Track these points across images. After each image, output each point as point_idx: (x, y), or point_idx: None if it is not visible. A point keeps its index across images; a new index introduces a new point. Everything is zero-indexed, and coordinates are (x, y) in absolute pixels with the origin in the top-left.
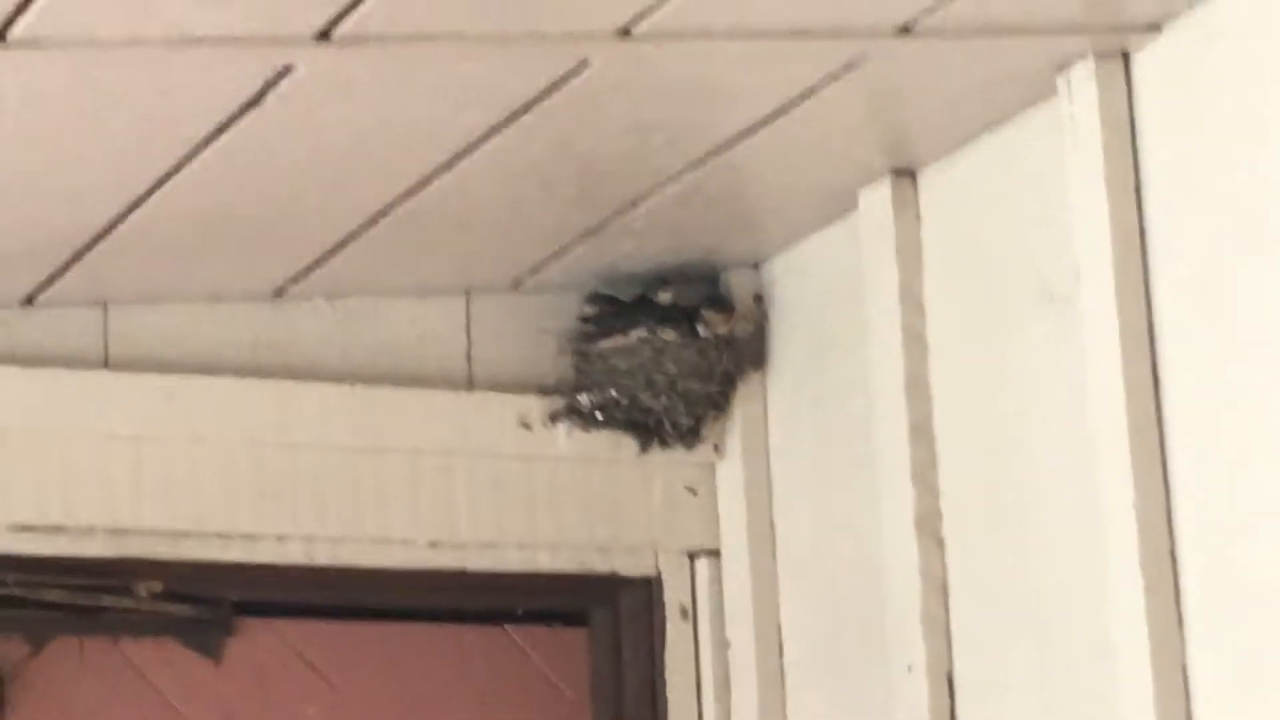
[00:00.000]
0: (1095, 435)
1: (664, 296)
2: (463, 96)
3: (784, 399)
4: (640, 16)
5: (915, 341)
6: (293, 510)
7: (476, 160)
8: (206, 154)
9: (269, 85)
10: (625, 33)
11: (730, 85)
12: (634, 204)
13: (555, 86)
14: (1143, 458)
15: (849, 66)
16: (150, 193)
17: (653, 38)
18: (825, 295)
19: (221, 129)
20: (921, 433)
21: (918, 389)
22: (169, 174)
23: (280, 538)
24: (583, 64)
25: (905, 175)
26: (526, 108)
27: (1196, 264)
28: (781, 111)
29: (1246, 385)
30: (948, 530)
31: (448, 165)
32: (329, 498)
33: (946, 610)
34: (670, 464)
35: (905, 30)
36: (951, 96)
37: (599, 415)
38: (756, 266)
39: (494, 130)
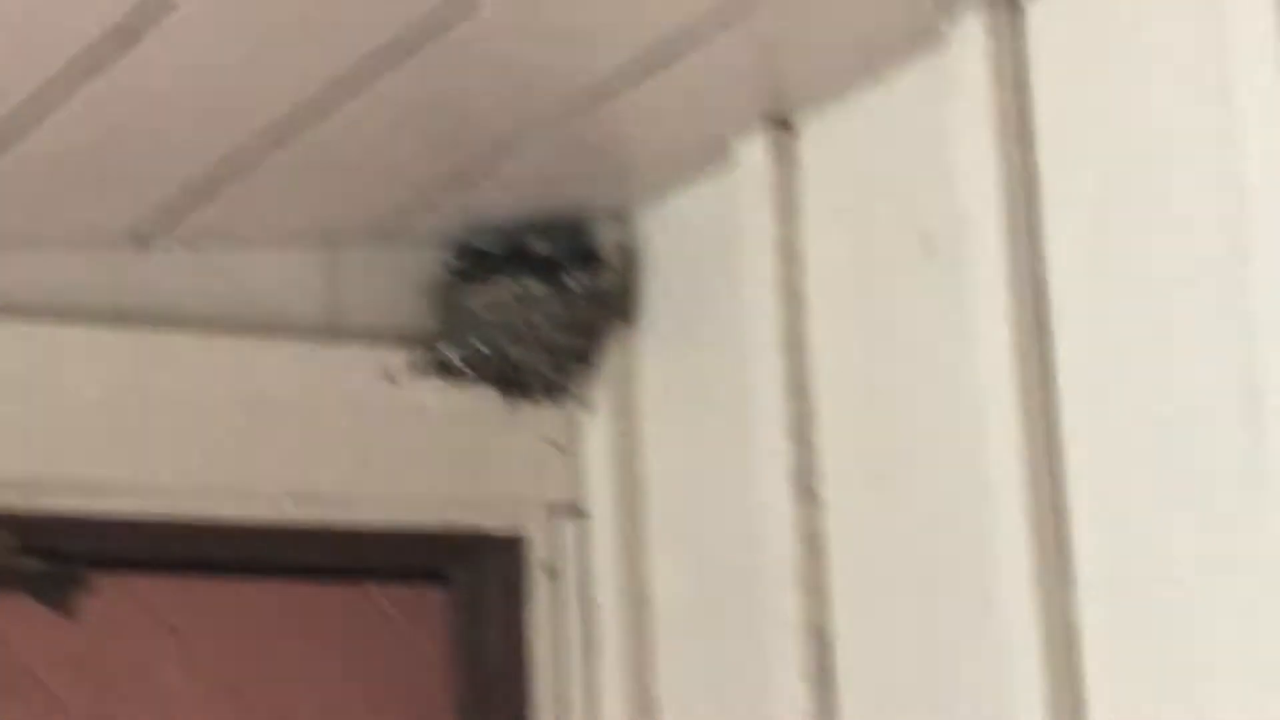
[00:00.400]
0: (981, 389)
1: (532, 248)
2: (333, 33)
3: (655, 354)
4: None
5: (792, 295)
6: (152, 462)
7: (342, 102)
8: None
9: (148, 20)
10: None
11: (606, 25)
12: (503, 150)
13: (437, 26)
14: (1031, 411)
15: (728, 8)
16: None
17: None
18: (699, 248)
19: (93, 68)
20: (798, 388)
21: (794, 343)
22: (32, 110)
23: (138, 490)
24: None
25: (784, 125)
26: (402, 47)
27: (1088, 216)
28: (657, 54)
29: (1138, 338)
30: (825, 487)
31: (312, 106)
32: (188, 450)
33: (823, 568)
34: (537, 419)
35: None
36: (834, 43)
37: (464, 368)
38: (628, 218)
39: (363, 70)
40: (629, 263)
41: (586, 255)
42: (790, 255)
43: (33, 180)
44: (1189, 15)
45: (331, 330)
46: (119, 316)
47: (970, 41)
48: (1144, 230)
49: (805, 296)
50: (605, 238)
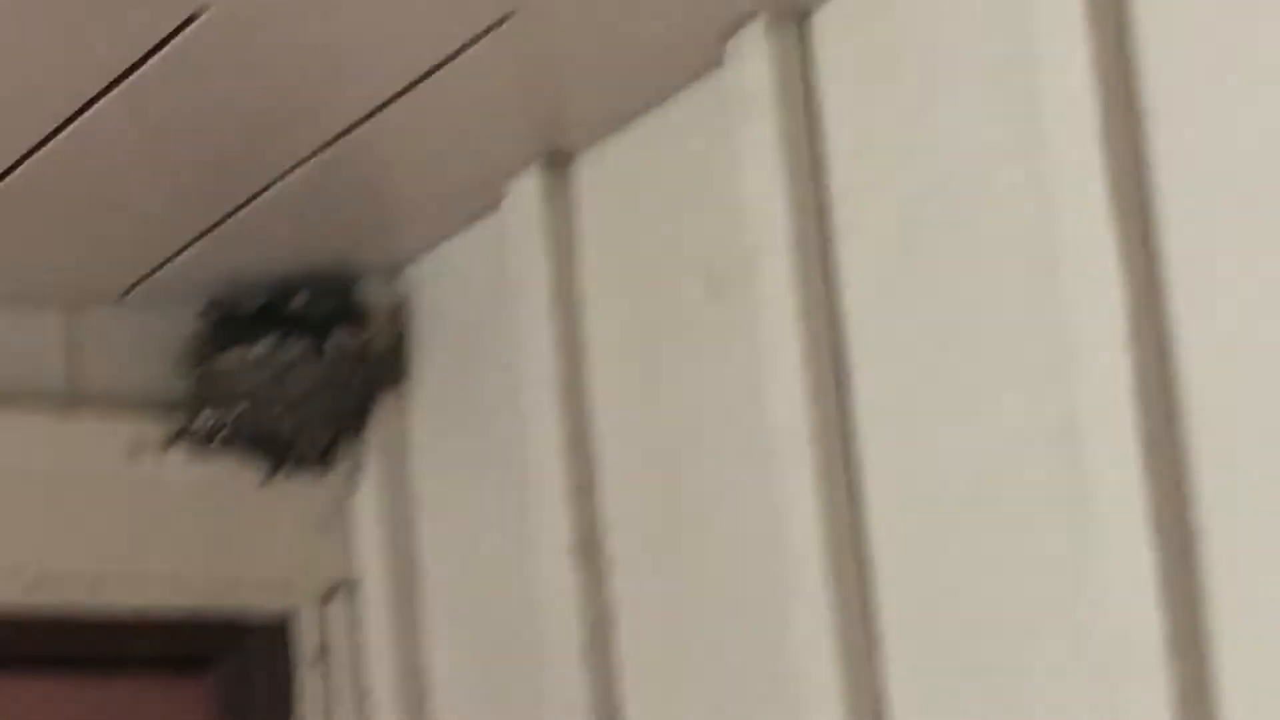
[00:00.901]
0: (776, 441)
1: (292, 306)
2: (53, 58)
3: (427, 418)
4: None
5: (571, 347)
6: None
7: (69, 140)
8: None
9: None
10: None
11: (362, 63)
12: (256, 197)
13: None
14: (829, 462)
15: (494, 38)
16: None
17: None
18: (472, 302)
19: None
20: (579, 447)
21: (574, 399)
22: None
23: None
24: (195, 14)
25: (557, 163)
26: (127, 72)
27: (884, 248)
28: (419, 85)
29: (944, 377)
30: (610, 555)
31: (37, 148)
32: None
33: (611, 643)
34: (300, 492)
35: None
36: (609, 70)
37: (219, 439)
38: (395, 273)
39: (89, 102)
40: (399, 320)
41: (352, 313)
42: (568, 303)
43: None
44: (991, 26)
45: (73, 399)
46: None
47: (750, 58)
48: (946, 259)
49: (585, 348)
50: (373, 294)
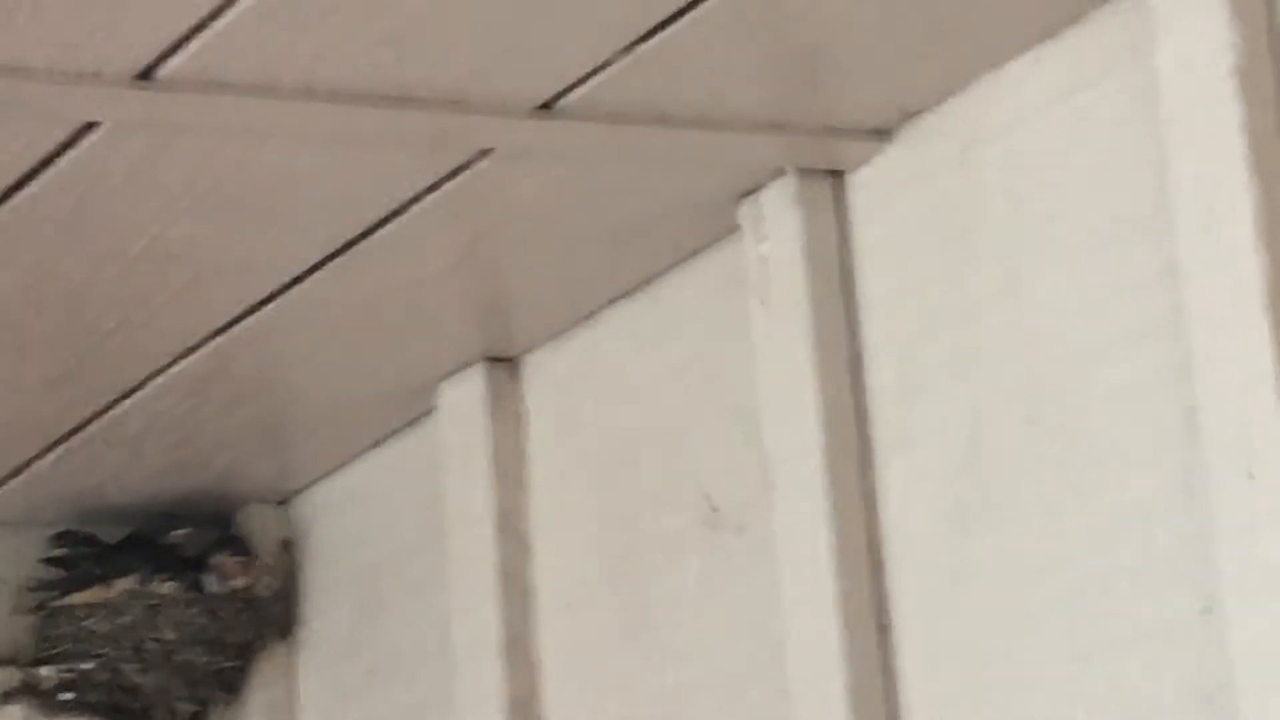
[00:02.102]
0: (796, 697)
1: (162, 537)
2: None
3: (321, 676)
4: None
5: (518, 587)
6: None
7: None
8: None
9: None
10: (144, 76)
11: (247, 258)
12: (116, 404)
13: (13, 189)
14: (862, 706)
15: (433, 192)
16: None
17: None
18: (383, 534)
19: None
20: (525, 713)
21: (521, 652)
22: None
23: None
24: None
25: (504, 363)
26: None
27: (945, 470)
28: (324, 265)
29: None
30: None
31: None
32: None
33: None
34: None
35: (544, 109)
36: (574, 240)
37: (66, 695)
38: (285, 502)
39: None
40: (288, 558)
41: (233, 548)
42: (517, 535)
43: None
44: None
45: None
46: None
47: (776, 221)
48: (1009, 476)
49: (536, 590)
50: (258, 526)
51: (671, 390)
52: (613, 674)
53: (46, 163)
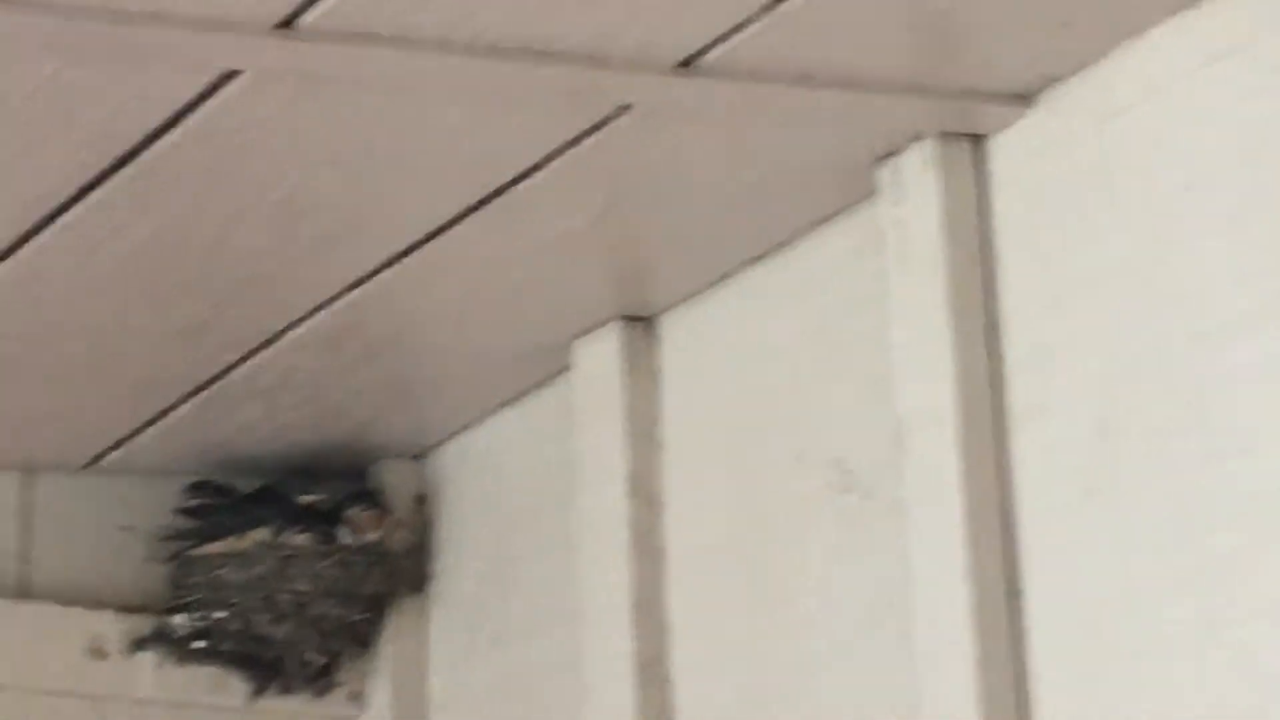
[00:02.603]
0: (929, 667)
1: (296, 490)
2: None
3: (451, 633)
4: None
5: (649, 549)
6: None
7: (20, 272)
8: None
9: None
10: (286, 25)
11: (396, 171)
12: (254, 355)
13: (154, 136)
14: (990, 673)
15: (574, 146)
16: None
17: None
18: (516, 491)
19: None
20: (654, 676)
21: (650, 613)
22: None
23: None
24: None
25: (640, 323)
26: (105, 176)
27: (1079, 435)
28: (461, 220)
29: (1119, 584)
30: None
31: None
32: None
33: None
34: (293, 716)
35: (684, 67)
36: (716, 204)
37: (199, 644)
38: (420, 458)
39: (43, 224)
40: (423, 513)
41: (367, 503)
42: (649, 495)
43: None
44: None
45: (22, 587)
46: None
47: (914, 184)
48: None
49: (666, 551)
50: (392, 481)
51: (805, 353)
52: (741, 637)
53: (187, 111)
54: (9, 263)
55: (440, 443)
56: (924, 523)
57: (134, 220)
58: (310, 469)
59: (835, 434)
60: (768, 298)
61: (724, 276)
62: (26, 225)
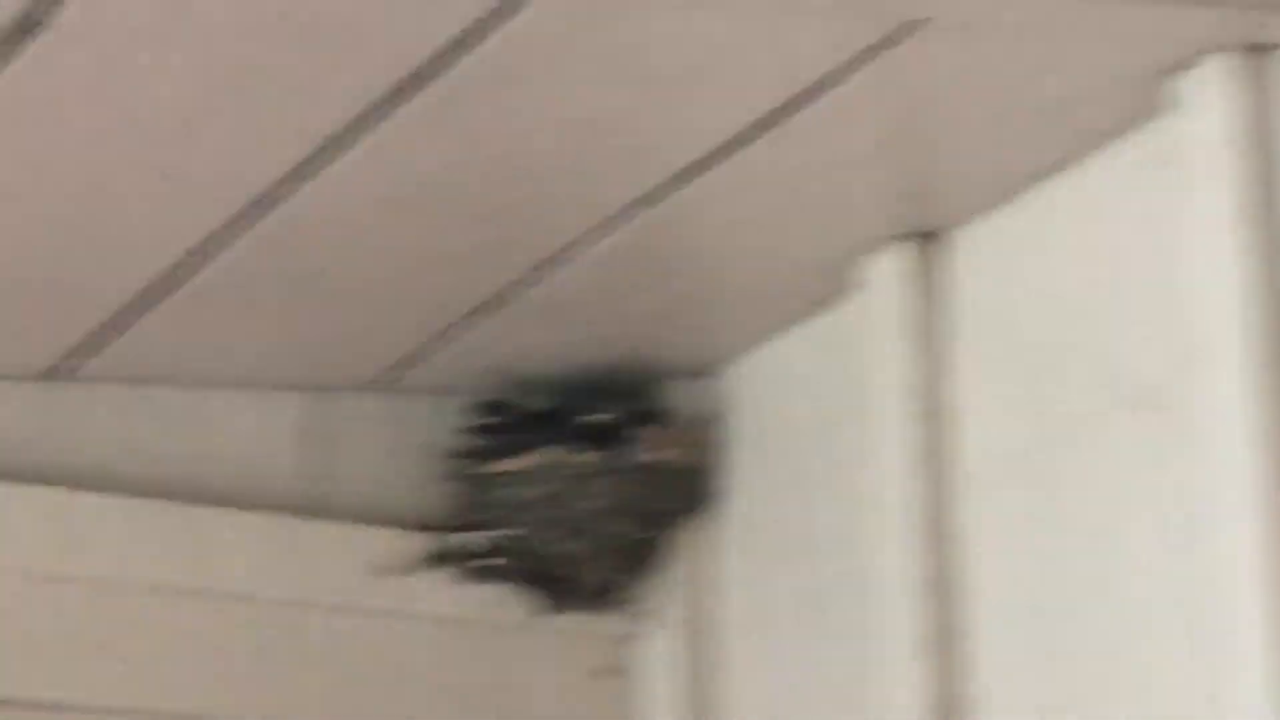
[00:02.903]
0: (1220, 588)
1: (581, 409)
2: (302, 82)
3: (737, 551)
4: None
5: (936, 466)
6: (52, 666)
7: (320, 194)
8: None
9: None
10: None
11: (684, 87)
12: (541, 275)
13: (448, 59)
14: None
15: (864, 63)
16: None
17: None
18: (803, 410)
19: None
20: (944, 588)
21: (938, 531)
22: None
23: (34, 705)
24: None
25: (928, 239)
26: (401, 99)
27: None
28: (749, 140)
29: None
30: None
31: (273, 198)
32: (105, 651)
33: None
34: (580, 633)
35: None
36: (1003, 119)
37: (488, 562)
38: (707, 376)
39: (340, 147)
40: (709, 431)
41: (654, 421)
42: (936, 414)
43: None
44: None
45: (308, 505)
46: (22, 471)
47: (1202, 98)
48: None
49: (954, 469)
50: (679, 399)
51: (1094, 268)
52: (1030, 552)
53: (480, 32)
54: (307, 185)
55: (727, 361)
56: (1215, 437)
57: (428, 142)
58: (598, 388)
59: (1126, 348)
60: (1056, 213)
61: (1013, 192)
62: (324, 149)
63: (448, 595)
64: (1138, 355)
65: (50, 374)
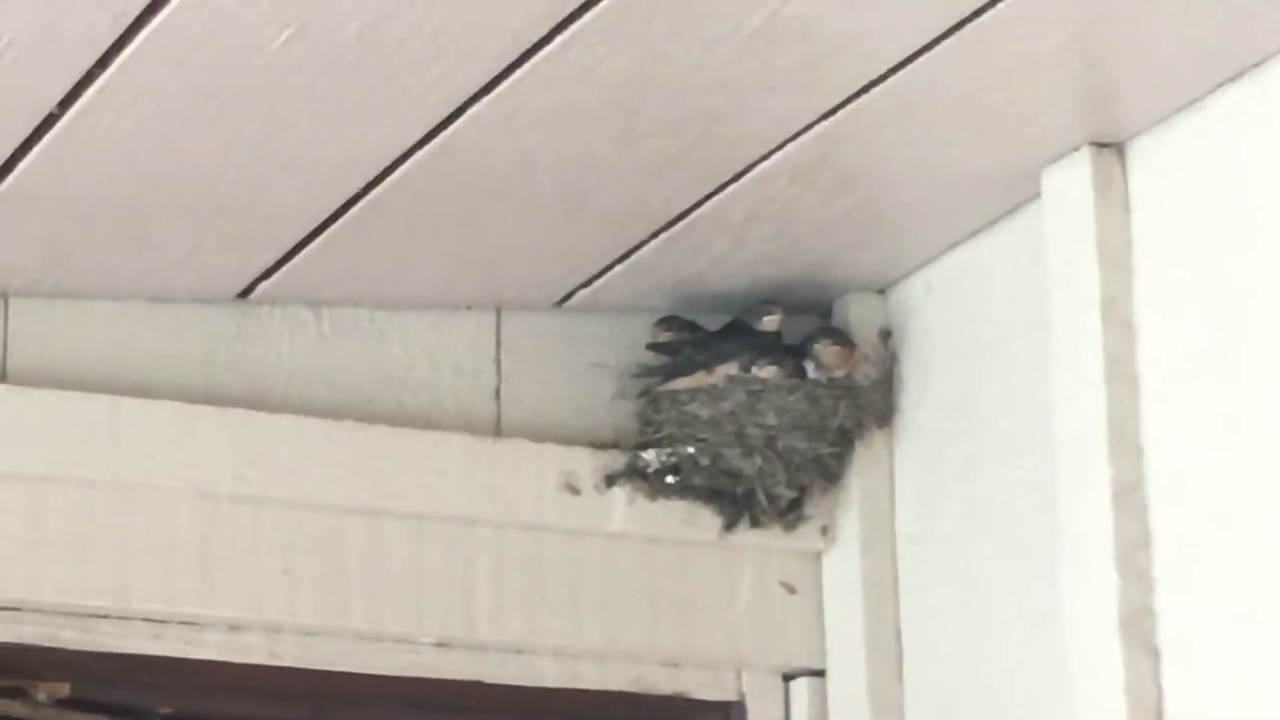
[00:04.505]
0: None
1: (767, 322)
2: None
3: (918, 466)
4: None
5: (1123, 375)
6: (252, 589)
7: (498, 108)
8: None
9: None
10: None
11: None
12: (720, 191)
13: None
14: None
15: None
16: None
17: None
18: (981, 323)
19: None
20: (1133, 503)
21: (1125, 439)
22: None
23: (233, 627)
24: None
25: (1108, 149)
26: (581, 10)
27: None
28: (930, 49)
29: None
30: (1164, 637)
31: (460, 113)
32: (302, 574)
33: None
34: (763, 550)
35: None
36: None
37: (670, 479)
38: (885, 290)
39: (520, 60)
40: (889, 345)
41: (834, 336)
42: (1122, 322)
43: (97, 205)
44: None
45: (496, 424)
46: (215, 394)
47: None
48: None
49: (1139, 376)
50: (858, 314)
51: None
52: (1216, 460)
53: None
54: (485, 101)
55: (905, 275)
56: None
57: (608, 55)
58: (777, 304)
59: None
60: (1239, 120)
61: (1194, 100)
62: (502, 64)
63: (636, 513)
64: None
65: (240, 296)
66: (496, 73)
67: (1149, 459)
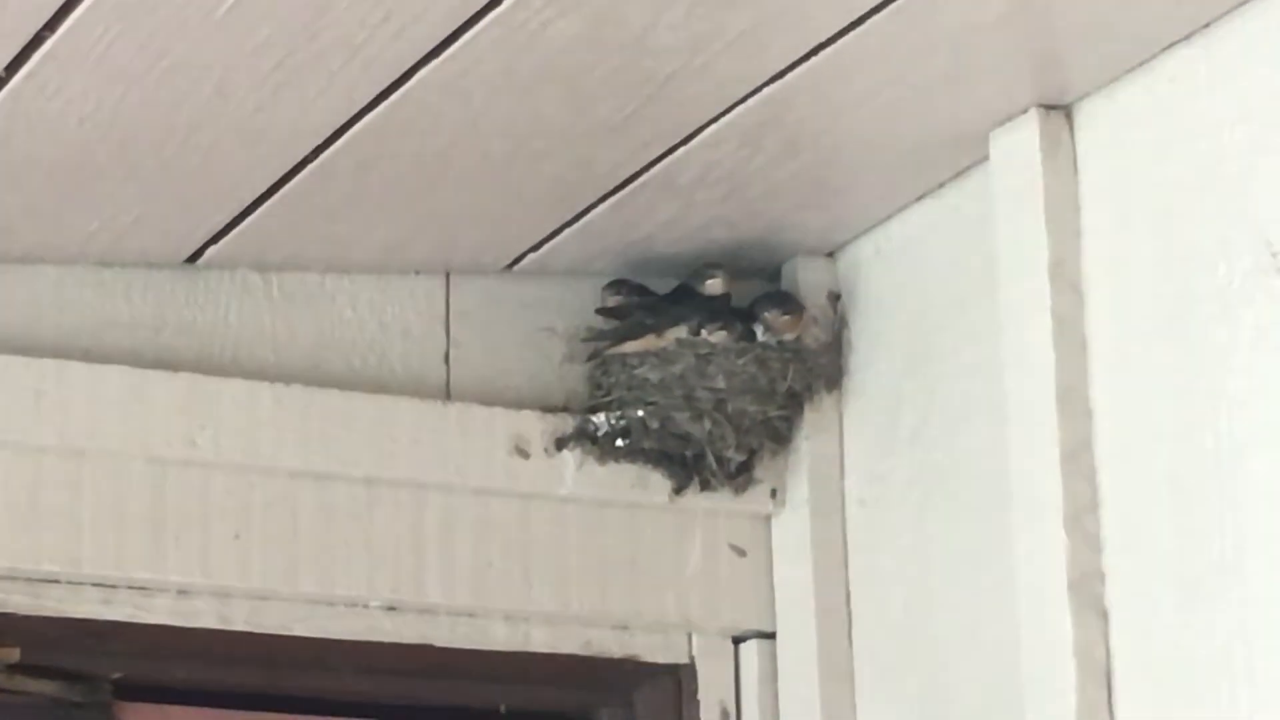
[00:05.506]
0: None
1: (712, 285)
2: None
3: (868, 429)
4: None
5: (1071, 337)
6: (203, 554)
7: (447, 71)
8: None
9: None
10: None
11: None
12: (666, 155)
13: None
14: None
15: None
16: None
17: None
18: (929, 286)
19: None
20: (1078, 465)
21: (1073, 407)
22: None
23: (183, 591)
24: None
25: (1056, 111)
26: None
27: None
28: (879, 10)
29: None
30: (1113, 599)
31: (409, 76)
32: (252, 539)
33: (1111, 698)
34: (713, 513)
35: None
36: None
37: (620, 442)
38: (833, 254)
39: (469, 23)
40: (837, 308)
41: (782, 299)
42: (1070, 285)
43: (51, 172)
44: None
45: (445, 388)
46: (164, 359)
47: None
48: None
49: (1088, 340)
50: (806, 278)
51: (1229, 135)
52: (1166, 425)
53: None
54: (433, 64)
55: (854, 238)
56: None
57: (556, 17)
58: (726, 268)
59: (1262, 216)
60: (1188, 81)
61: (1143, 61)
62: (451, 26)
63: (586, 476)
64: (1276, 221)
65: (189, 260)
66: (445, 35)
67: (1098, 422)
